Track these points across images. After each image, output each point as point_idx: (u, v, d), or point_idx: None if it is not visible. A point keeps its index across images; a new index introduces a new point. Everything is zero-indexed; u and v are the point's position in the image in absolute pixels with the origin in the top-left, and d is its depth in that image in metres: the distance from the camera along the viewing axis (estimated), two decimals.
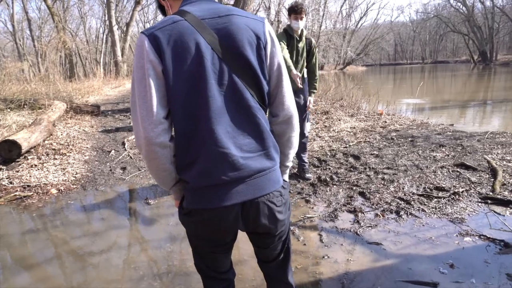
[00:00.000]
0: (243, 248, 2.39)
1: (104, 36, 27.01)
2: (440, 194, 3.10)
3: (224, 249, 1.25)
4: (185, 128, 1.06)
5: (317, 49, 3.69)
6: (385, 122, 6.41)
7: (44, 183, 3.87)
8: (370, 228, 2.63)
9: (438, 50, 61.76)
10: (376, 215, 2.83)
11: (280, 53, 1.14)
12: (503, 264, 2.10)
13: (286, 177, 1.28)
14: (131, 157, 4.88)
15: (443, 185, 3.25)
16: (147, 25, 34.18)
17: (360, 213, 2.86)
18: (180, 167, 1.11)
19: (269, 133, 1.12)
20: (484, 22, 39.57)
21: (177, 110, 1.05)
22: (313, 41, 3.65)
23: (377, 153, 4.38)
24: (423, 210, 2.86)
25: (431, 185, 3.28)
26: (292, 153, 1.25)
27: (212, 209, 1.07)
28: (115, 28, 19.65)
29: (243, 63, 1.06)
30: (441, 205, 2.91)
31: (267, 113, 1.19)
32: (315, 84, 3.63)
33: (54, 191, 3.70)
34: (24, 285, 2.17)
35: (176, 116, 1.06)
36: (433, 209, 2.86)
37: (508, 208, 2.80)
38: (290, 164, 1.27)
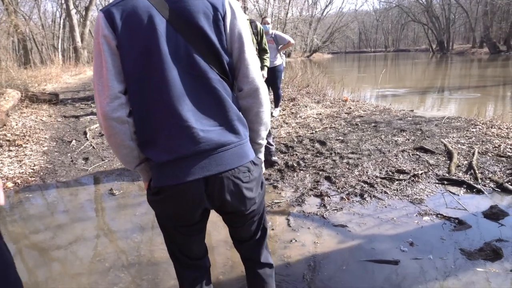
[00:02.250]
0: (212, 234, 2.39)
1: (62, 20, 25.53)
2: (401, 176, 3.24)
3: (195, 229, 1.22)
4: (142, 103, 1.04)
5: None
6: (350, 108, 6.57)
7: None
8: (336, 211, 2.71)
9: (400, 39, 63.85)
10: (342, 198, 2.92)
11: (243, 25, 1.09)
12: (457, 240, 2.25)
13: (261, 155, 1.25)
14: (93, 147, 4.70)
15: (404, 168, 3.40)
16: None
17: (326, 197, 2.94)
18: (141, 144, 1.09)
19: (232, 106, 1.08)
20: (442, 13, 41.27)
21: (133, 85, 1.03)
22: (258, 24, 3.98)
23: (342, 138, 4.50)
24: (385, 192, 2.98)
25: (393, 168, 3.43)
26: (263, 129, 1.20)
27: (176, 185, 1.05)
28: (73, 12, 18.63)
29: (198, 34, 1.03)
30: (402, 187, 3.05)
31: (235, 88, 1.15)
32: (266, 59, 4.11)
33: (10, 184, 3.50)
34: None
35: (132, 91, 1.04)
36: (395, 191, 2.99)
37: (462, 188, 2.99)
38: (262, 141, 1.23)
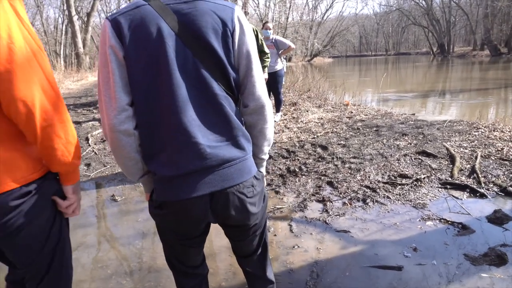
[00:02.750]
0: (215, 241, 2.38)
1: (64, 26, 25.69)
2: (404, 181, 3.23)
3: (196, 242, 1.23)
4: (149, 116, 1.02)
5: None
6: (351, 112, 6.57)
7: None
8: (338, 216, 2.70)
9: (401, 42, 63.98)
10: (344, 203, 2.91)
11: (251, 42, 1.09)
12: (461, 245, 2.23)
13: (262, 169, 1.26)
14: (95, 153, 4.71)
15: (406, 172, 3.39)
16: None
17: (328, 202, 2.93)
18: (146, 157, 1.08)
19: (237, 122, 1.08)
20: (442, 16, 41.37)
21: (139, 97, 1.01)
22: (254, 27, 4.12)
23: (344, 143, 4.49)
24: (388, 197, 2.97)
25: (395, 173, 3.41)
26: (266, 145, 1.21)
27: (181, 201, 1.05)
28: (75, 18, 18.75)
29: (206, 50, 1.02)
30: (404, 191, 3.04)
31: (239, 103, 1.15)
32: (266, 60, 4.42)
33: None
34: None
35: (138, 103, 1.02)
36: (397, 196, 2.98)
37: (465, 192, 2.97)
38: (265, 156, 1.24)
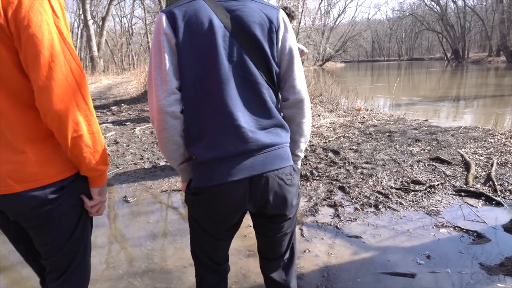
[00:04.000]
0: None
1: (79, 30, 26.23)
2: (417, 187, 3.19)
3: (227, 234, 1.22)
4: (195, 100, 1.08)
5: None
6: (364, 117, 6.52)
7: None
8: (350, 221, 2.67)
9: (414, 47, 63.35)
10: (356, 209, 2.88)
11: (293, 40, 1.15)
12: (475, 254, 2.18)
13: (297, 167, 1.26)
14: (109, 155, 4.77)
15: (420, 179, 3.34)
16: (124, 20, 33.43)
17: (340, 207, 2.90)
18: (189, 141, 1.11)
19: (276, 113, 1.12)
20: (457, 21, 40.86)
21: (188, 83, 1.08)
22: None
23: (356, 148, 4.46)
24: (400, 203, 2.93)
25: (408, 179, 3.37)
26: (303, 141, 1.23)
27: (220, 185, 1.06)
28: (90, 22, 19.11)
29: (253, 42, 1.09)
30: (417, 198, 3.00)
31: (280, 98, 1.19)
32: None
33: None
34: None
35: (187, 89, 1.08)
36: (410, 202, 2.93)
37: (481, 200, 2.91)
38: (301, 154, 1.25)
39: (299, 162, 1.27)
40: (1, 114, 0.91)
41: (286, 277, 1.32)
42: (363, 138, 4.98)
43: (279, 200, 1.12)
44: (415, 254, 2.20)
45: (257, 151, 1.07)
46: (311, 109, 7.39)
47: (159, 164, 4.23)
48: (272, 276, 1.31)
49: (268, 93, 1.11)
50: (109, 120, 7.09)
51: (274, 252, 1.29)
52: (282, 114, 1.18)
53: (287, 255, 1.31)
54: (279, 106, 1.18)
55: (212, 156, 1.06)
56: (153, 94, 1.08)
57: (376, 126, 5.73)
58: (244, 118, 1.07)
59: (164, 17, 1.07)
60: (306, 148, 4.60)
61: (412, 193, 3.09)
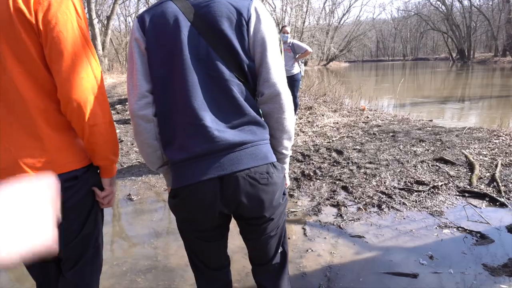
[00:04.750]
0: (229, 240, 2.38)
1: None
2: (420, 187, 3.18)
3: (212, 236, 1.18)
4: (163, 102, 1.08)
5: None
6: (367, 117, 6.51)
7: None
8: (352, 221, 2.67)
9: (419, 47, 63.04)
10: (359, 208, 2.88)
11: (267, 30, 1.08)
12: (479, 255, 2.18)
13: (285, 166, 1.20)
14: None
15: (423, 179, 3.33)
16: (129, 19, 33.55)
17: (343, 207, 2.90)
18: (164, 145, 1.12)
19: (248, 109, 1.07)
20: (462, 21, 40.59)
21: (157, 85, 1.08)
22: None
23: (359, 148, 4.45)
24: (403, 203, 2.92)
25: (411, 179, 3.36)
26: (286, 138, 1.15)
27: (190, 185, 1.04)
28: (95, 21, 19.18)
29: (220, 38, 1.05)
30: (421, 198, 2.99)
31: (257, 93, 1.14)
32: None
33: None
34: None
35: (156, 91, 1.08)
36: (414, 203, 2.93)
37: (484, 201, 2.90)
38: (285, 151, 1.18)
39: (286, 160, 1.21)
40: (25, 103, 0.99)
41: (276, 283, 1.27)
42: (366, 138, 4.97)
43: (253, 201, 1.06)
44: (418, 254, 2.20)
45: (225, 150, 1.03)
46: (315, 108, 7.34)
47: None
48: (261, 282, 1.28)
49: (238, 89, 1.06)
50: (113, 119, 7.11)
51: (260, 257, 1.25)
52: (261, 111, 1.13)
53: (276, 260, 1.25)
54: (255, 100, 1.12)
55: (182, 158, 1.05)
56: (128, 98, 1.10)
57: (380, 126, 5.72)
58: (210, 117, 1.04)
59: (136, 22, 1.08)
60: (309, 147, 4.60)
61: (416, 193, 3.08)
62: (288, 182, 1.27)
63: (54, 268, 1.21)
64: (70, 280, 1.19)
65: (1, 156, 1.00)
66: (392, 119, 6.34)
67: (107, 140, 1.08)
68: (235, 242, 2.37)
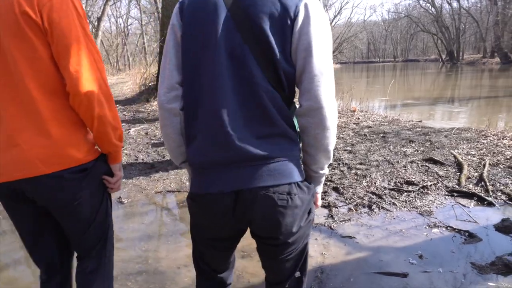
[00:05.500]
0: None
1: None
2: (410, 188, 3.21)
3: (223, 245, 1.12)
4: (191, 97, 1.01)
5: None
6: (358, 118, 6.56)
7: None
8: (343, 222, 2.69)
9: (409, 49, 63.72)
10: (350, 209, 2.90)
11: (316, 32, 0.93)
12: (468, 253, 2.21)
13: (318, 188, 1.10)
14: None
15: (413, 179, 3.37)
16: (120, 20, 33.35)
17: (334, 208, 2.92)
18: (186, 140, 1.05)
19: (278, 120, 0.96)
20: (452, 23, 41.18)
21: (186, 77, 1.01)
22: None
23: (350, 149, 4.48)
24: (394, 203, 2.95)
25: (401, 180, 3.40)
26: (323, 158, 1.02)
27: (206, 194, 0.99)
28: None
29: (258, 36, 0.93)
30: (410, 198, 3.02)
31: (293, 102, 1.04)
32: None
33: None
34: None
35: (185, 83, 1.01)
36: (403, 203, 2.96)
37: (473, 200, 2.94)
38: (320, 171, 1.06)
39: (321, 180, 1.08)
40: (34, 101, 1.05)
41: None
42: (357, 139, 5.01)
43: (268, 222, 0.97)
44: (407, 254, 2.22)
45: (245, 161, 0.94)
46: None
47: (153, 165, 4.23)
48: None
49: (269, 96, 0.95)
50: None
51: (273, 277, 1.16)
52: (292, 121, 1.02)
53: (289, 284, 1.13)
54: (290, 111, 1.00)
55: (200, 161, 0.99)
56: (158, 89, 1.06)
57: (370, 127, 5.77)
58: (234, 123, 0.94)
59: (176, 7, 1.02)
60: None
61: (405, 193, 3.11)
62: (319, 203, 1.17)
63: (64, 246, 1.31)
64: (88, 266, 1.29)
65: (13, 153, 1.05)
66: (383, 120, 6.40)
67: (114, 128, 1.16)
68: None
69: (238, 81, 0.95)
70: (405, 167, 3.70)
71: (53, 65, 1.06)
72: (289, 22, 0.92)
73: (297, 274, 1.13)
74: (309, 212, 1.05)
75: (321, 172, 1.07)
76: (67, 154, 1.09)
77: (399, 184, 3.31)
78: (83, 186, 1.14)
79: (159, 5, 15.25)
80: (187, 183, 3.54)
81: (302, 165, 1.05)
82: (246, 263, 2.19)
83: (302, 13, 0.93)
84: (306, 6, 0.93)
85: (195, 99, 0.99)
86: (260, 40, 0.93)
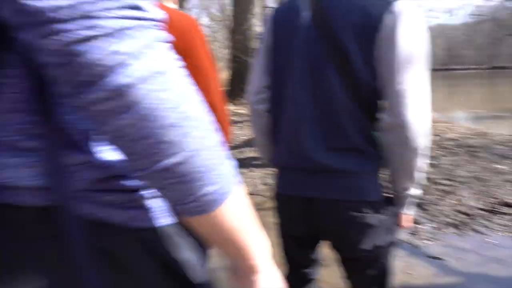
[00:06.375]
0: None
1: None
2: (506, 210, 2.89)
3: (303, 244, 1.12)
4: (274, 103, 1.06)
5: None
6: (440, 129, 6.10)
7: None
8: (428, 241, 2.50)
9: (495, 55, 57.97)
10: (434, 227, 2.70)
11: (407, 41, 0.86)
12: None
13: (404, 209, 1.03)
14: None
15: (509, 201, 3.02)
16: None
17: (417, 225, 2.73)
18: (272, 142, 1.12)
19: (354, 134, 0.93)
20: None
21: (271, 83, 1.06)
22: None
23: (432, 162, 4.18)
24: (486, 226, 2.68)
25: (495, 200, 3.07)
26: (407, 179, 0.95)
27: (283, 195, 1.05)
28: None
29: (339, 48, 0.90)
30: (508, 222, 2.71)
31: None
32: None
33: None
34: None
35: (270, 88, 1.07)
36: (500, 226, 2.66)
37: None
38: (404, 192, 0.99)
39: (403, 201, 1.01)
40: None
41: None
42: (439, 152, 4.65)
43: (337, 237, 0.99)
44: (506, 286, 1.99)
45: (319, 172, 0.95)
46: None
47: None
48: None
49: (346, 109, 0.91)
50: None
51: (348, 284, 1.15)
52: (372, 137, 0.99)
53: None
54: (370, 126, 0.96)
55: (278, 163, 1.06)
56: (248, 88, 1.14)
57: (454, 139, 5.33)
58: (309, 134, 0.95)
59: (270, 14, 1.08)
60: None
61: (500, 215, 2.81)
62: (405, 224, 1.07)
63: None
64: None
65: None
66: (468, 132, 5.87)
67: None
68: None
69: (317, 92, 0.95)
70: (498, 186, 3.34)
71: None
72: (374, 32, 0.87)
73: None
74: (387, 233, 0.99)
75: (404, 193, 0.99)
76: None
77: (492, 205, 3.00)
78: None
79: (228, 13, 15.62)
80: (260, 187, 3.60)
81: (380, 183, 1.00)
82: (323, 271, 2.14)
83: (390, 18, 0.86)
84: (396, 11, 0.86)
85: (278, 105, 1.03)
86: (342, 51, 0.90)
